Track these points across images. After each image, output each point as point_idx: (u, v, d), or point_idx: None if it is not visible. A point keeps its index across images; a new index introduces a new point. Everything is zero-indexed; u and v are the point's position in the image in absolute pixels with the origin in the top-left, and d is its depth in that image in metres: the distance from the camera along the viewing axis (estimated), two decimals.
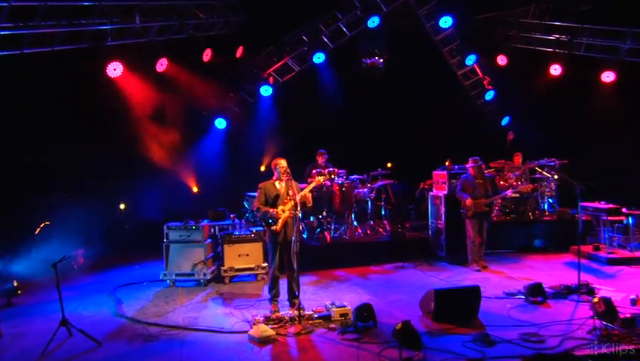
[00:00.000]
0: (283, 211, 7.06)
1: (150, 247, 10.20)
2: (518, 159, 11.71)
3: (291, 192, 7.04)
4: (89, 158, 10.67)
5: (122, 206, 12.14)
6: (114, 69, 9.53)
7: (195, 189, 12.47)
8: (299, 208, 6.83)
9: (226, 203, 10.91)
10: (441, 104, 13.45)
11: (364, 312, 6.52)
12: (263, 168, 13.15)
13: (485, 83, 13.74)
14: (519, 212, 11.09)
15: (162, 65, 10.55)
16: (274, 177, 7.28)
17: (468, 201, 9.14)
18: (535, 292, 7.30)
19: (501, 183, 11.04)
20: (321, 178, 7.65)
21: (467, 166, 9.44)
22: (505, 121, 14.34)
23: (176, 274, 8.60)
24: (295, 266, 6.92)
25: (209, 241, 8.96)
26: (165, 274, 8.63)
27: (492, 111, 14.34)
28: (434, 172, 10.60)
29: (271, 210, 7.02)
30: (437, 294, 6.66)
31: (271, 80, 12.63)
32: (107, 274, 9.64)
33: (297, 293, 7.04)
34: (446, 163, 11.12)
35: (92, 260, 10.15)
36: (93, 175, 10.90)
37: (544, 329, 6.26)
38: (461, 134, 13.30)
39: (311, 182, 9.79)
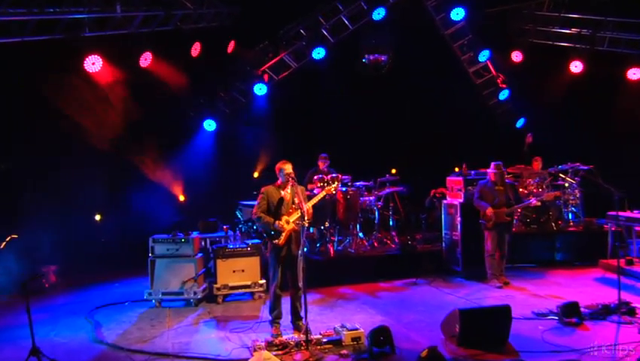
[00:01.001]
0: (287, 223, 6.74)
1: (131, 262, 10.01)
2: (537, 164, 11.48)
3: (297, 200, 6.71)
4: (62, 163, 10.46)
5: (97, 217, 11.83)
6: (93, 63, 9.27)
7: (181, 198, 12.23)
8: (307, 219, 6.46)
9: (216, 213, 10.69)
10: (450, 105, 13.35)
11: (380, 336, 6.18)
12: (256, 175, 13.01)
13: (498, 81, 13.58)
14: (541, 222, 10.83)
15: (146, 59, 10.30)
16: (278, 182, 6.96)
17: (489, 211, 8.87)
18: (570, 313, 6.96)
19: (520, 190, 10.65)
20: (332, 188, 7.41)
21: (487, 171, 9.16)
22: (520, 123, 14.17)
23: (163, 293, 8.29)
24: (300, 284, 6.63)
25: (200, 255, 8.67)
26: (150, 293, 8.31)
27: (506, 112, 14.20)
28: (449, 178, 10.34)
29: (275, 221, 6.71)
30: (462, 315, 6.28)
31: (266, 77, 12.44)
32: (83, 293, 9.32)
33: (301, 315, 6.74)
34: (457, 169, 10.89)
35: (65, 278, 9.89)
36: (66, 183, 10.63)
37: (586, 355, 5.93)
38: (472, 137, 13.24)
39: (311, 188, 9.66)
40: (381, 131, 13.16)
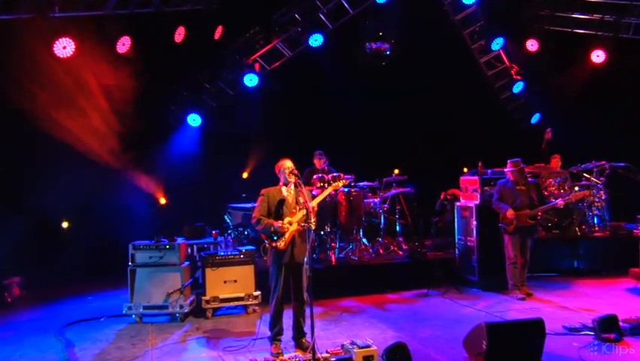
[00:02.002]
0: (290, 224, 6.48)
1: (107, 272, 9.95)
2: (556, 162, 11.31)
3: (301, 199, 6.46)
4: (26, 164, 10.28)
5: (65, 224, 11.57)
6: (64, 47, 8.99)
7: (162, 201, 11.96)
8: (313, 219, 6.17)
9: (202, 217, 10.56)
10: (459, 99, 13.23)
11: (397, 354, 5.85)
12: (246, 175, 12.94)
13: (512, 72, 13.43)
14: (563, 227, 10.66)
15: (124, 45, 10.11)
16: (280, 183, 6.74)
17: (509, 213, 8.64)
18: (608, 327, 6.68)
19: None
20: (339, 183, 7.20)
21: (505, 170, 8.94)
22: (535, 118, 14.05)
23: (144, 307, 8.04)
24: (306, 296, 6.47)
25: (187, 263, 8.44)
26: (129, 307, 8.05)
27: (521, 107, 14.07)
28: (462, 178, 10.15)
29: (275, 222, 6.45)
30: (490, 330, 5.94)
31: (257, 67, 12.20)
32: (52, 308, 9.06)
33: (305, 330, 6.54)
34: (466, 170, 10.78)
35: (31, 291, 9.69)
36: (30, 185, 10.41)
37: None
38: (483, 134, 13.12)
39: (310, 190, 9.29)
40: (385, 126, 13.06)
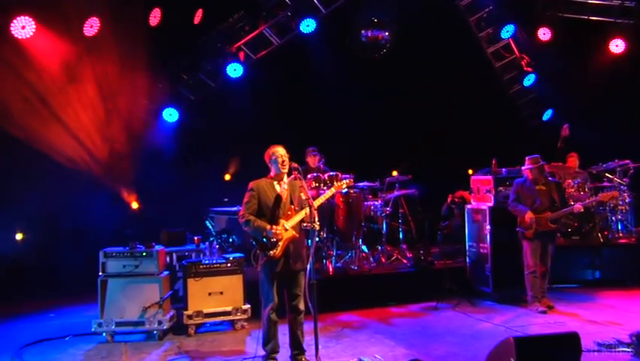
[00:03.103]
0: (286, 229, 6.25)
1: (71, 285, 9.90)
2: (574, 160, 11.27)
3: (303, 195, 6.25)
4: None
5: (19, 236, 11.36)
6: (22, 27, 8.85)
7: (134, 206, 11.82)
8: (317, 219, 5.96)
9: (180, 223, 10.29)
10: (465, 92, 13.26)
11: None
12: (228, 177, 12.95)
13: (523, 64, 13.31)
14: (584, 233, 10.57)
15: (92, 26, 9.94)
16: (271, 174, 6.47)
17: (528, 216, 8.52)
18: None
19: None
20: (343, 184, 6.97)
21: (522, 169, 8.81)
22: (548, 115, 13.98)
23: (117, 323, 7.82)
24: (302, 306, 6.35)
25: (166, 273, 8.26)
26: (99, 324, 7.82)
27: (532, 102, 13.98)
28: (474, 177, 10.02)
29: (270, 227, 6.21)
30: (519, 345, 5.66)
31: (241, 56, 12.03)
32: (7, 326, 8.83)
33: (304, 347, 6.42)
34: (471, 171, 10.74)
35: None
36: None
37: None
38: (491, 130, 13.14)
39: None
40: (386, 121, 13.05)
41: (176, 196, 11.74)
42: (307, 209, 6.13)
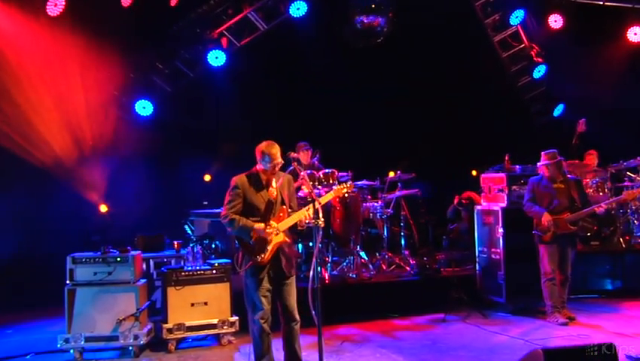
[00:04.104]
0: (276, 233, 6.07)
1: (32, 296, 9.84)
2: (592, 158, 11.33)
3: (306, 189, 6.11)
4: None
5: None
6: None
7: (103, 209, 11.65)
8: (321, 217, 5.79)
9: (154, 228, 10.16)
10: (468, 85, 13.29)
11: None
12: (208, 178, 12.85)
13: (532, 53, 13.29)
14: (603, 237, 10.61)
15: (56, 5, 9.81)
16: (258, 167, 6.22)
17: (545, 219, 8.45)
18: None
19: None
20: (344, 187, 6.66)
21: (539, 165, 8.75)
22: (559, 110, 14.01)
23: (87, 338, 7.67)
24: (297, 315, 6.22)
25: (143, 281, 8.14)
26: (66, 340, 7.65)
27: (541, 96, 14.02)
28: (484, 175, 9.97)
29: (256, 225, 6.03)
30: (549, 358, 5.51)
31: (224, 42, 11.91)
32: None
33: None
34: (474, 172, 11.09)
35: None
36: None
37: None
38: (496, 127, 13.20)
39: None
40: (384, 115, 13.07)
41: (150, 198, 11.61)
42: (296, 215, 5.99)
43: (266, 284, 6.10)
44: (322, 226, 5.84)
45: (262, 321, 6.08)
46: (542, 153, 8.74)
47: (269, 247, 6.02)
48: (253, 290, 6.10)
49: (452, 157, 12.73)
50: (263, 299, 6.08)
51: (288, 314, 6.17)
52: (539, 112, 14.16)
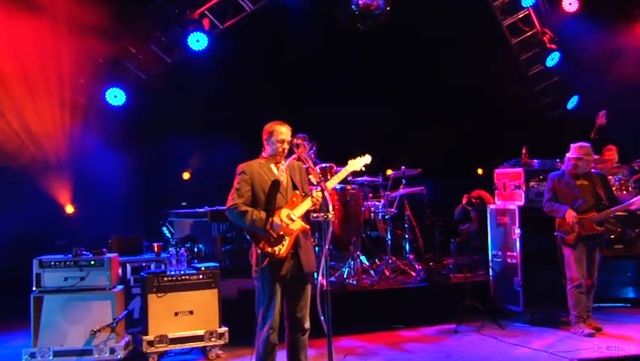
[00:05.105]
0: (292, 220, 5.90)
1: None
2: (612, 154, 11.23)
3: (313, 177, 6.20)
4: None
5: None
6: None
7: (69, 210, 11.67)
8: (331, 210, 5.67)
9: (128, 231, 10.13)
10: (475, 74, 13.27)
11: None
12: (187, 176, 13.05)
13: (545, 39, 13.29)
14: (628, 241, 10.43)
15: None
16: (264, 154, 6.18)
17: (570, 216, 8.36)
18: None
19: None
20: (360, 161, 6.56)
21: (568, 156, 8.63)
22: (573, 102, 14.05)
23: (55, 353, 7.55)
24: (308, 324, 6.06)
25: (120, 287, 8.02)
26: (32, 355, 7.53)
27: (554, 86, 14.05)
28: (498, 171, 9.92)
29: (271, 217, 5.90)
30: None
31: (206, 23, 11.79)
32: None
33: None
34: (480, 171, 11.52)
35: None
36: None
37: None
38: (505, 120, 13.45)
39: None
40: (386, 104, 13.11)
41: (123, 198, 11.61)
42: (310, 199, 5.88)
43: (280, 288, 5.95)
44: (333, 220, 5.67)
45: (270, 331, 5.91)
46: (573, 145, 8.65)
47: (288, 238, 5.89)
48: (268, 295, 5.92)
49: (454, 153, 12.93)
50: (276, 306, 5.93)
51: (296, 322, 6.02)
52: (551, 105, 14.22)
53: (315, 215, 6.00)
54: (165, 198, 11.76)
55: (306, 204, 5.91)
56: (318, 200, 5.84)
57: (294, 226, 5.86)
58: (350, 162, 6.58)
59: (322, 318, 5.70)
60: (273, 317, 5.87)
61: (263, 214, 5.86)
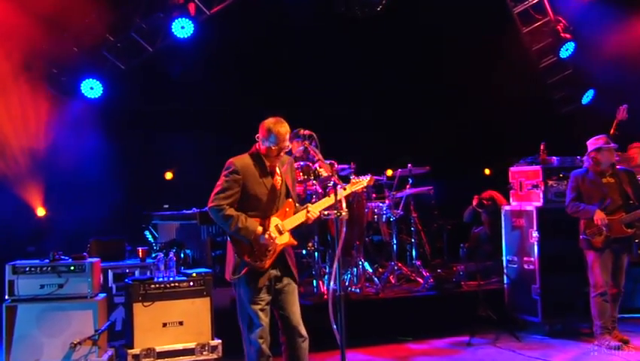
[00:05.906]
0: (280, 233, 5.81)
1: None
2: (637, 151, 11.19)
3: (323, 171, 5.83)
4: None
5: None
6: None
7: (41, 212, 11.71)
8: (345, 207, 5.68)
9: (108, 234, 10.09)
10: (483, 67, 13.34)
11: None
12: (170, 176, 13.10)
13: (559, 28, 13.27)
14: None
15: None
16: (259, 147, 5.94)
17: (598, 217, 8.28)
18: None
19: None
20: (364, 181, 6.63)
21: (591, 147, 8.55)
22: (589, 97, 14.06)
23: None
24: (304, 331, 5.97)
25: (102, 295, 7.91)
26: None
27: (568, 79, 14.05)
28: (513, 169, 9.90)
29: (259, 229, 5.76)
30: None
31: (192, 9, 11.77)
32: None
33: None
34: (488, 171, 11.75)
35: None
36: None
37: None
38: (516, 116, 13.51)
39: None
40: (389, 98, 13.37)
41: (100, 200, 11.56)
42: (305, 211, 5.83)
43: (265, 295, 5.83)
44: (346, 218, 5.55)
45: (261, 341, 5.80)
46: (589, 141, 8.61)
47: (272, 250, 5.78)
48: (249, 302, 5.82)
49: (462, 151, 13.01)
50: (262, 314, 5.81)
51: (292, 330, 5.91)
52: (565, 99, 14.25)
53: (326, 213, 5.86)
54: (147, 199, 11.82)
55: (298, 219, 5.84)
56: (312, 217, 5.78)
57: (281, 241, 5.78)
58: (353, 179, 6.63)
59: (334, 327, 5.64)
60: (261, 327, 5.80)
61: (250, 224, 5.71)
